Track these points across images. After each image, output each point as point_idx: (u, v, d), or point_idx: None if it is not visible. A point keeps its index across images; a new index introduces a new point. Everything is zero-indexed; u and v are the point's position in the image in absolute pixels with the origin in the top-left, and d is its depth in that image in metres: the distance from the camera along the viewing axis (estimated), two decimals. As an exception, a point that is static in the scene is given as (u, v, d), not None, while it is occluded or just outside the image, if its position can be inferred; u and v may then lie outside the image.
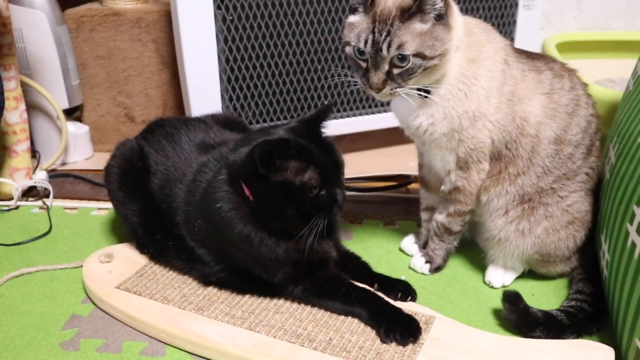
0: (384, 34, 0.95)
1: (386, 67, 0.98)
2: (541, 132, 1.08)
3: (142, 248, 1.22)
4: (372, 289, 1.08)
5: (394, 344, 0.97)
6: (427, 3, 0.95)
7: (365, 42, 0.97)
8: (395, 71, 0.98)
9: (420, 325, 1.00)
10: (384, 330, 0.98)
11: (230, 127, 1.28)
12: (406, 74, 0.98)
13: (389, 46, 0.95)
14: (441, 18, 0.97)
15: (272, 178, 0.96)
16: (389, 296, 1.07)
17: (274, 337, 0.99)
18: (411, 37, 0.95)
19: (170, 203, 1.11)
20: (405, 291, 1.09)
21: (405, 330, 0.98)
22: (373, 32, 0.96)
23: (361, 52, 0.99)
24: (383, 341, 0.98)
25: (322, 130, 1.04)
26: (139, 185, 1.16)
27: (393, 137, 1.37)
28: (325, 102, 1.08)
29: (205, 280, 1.12)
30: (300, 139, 0.99)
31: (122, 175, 1.19)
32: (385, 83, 0.99)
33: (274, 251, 1.01)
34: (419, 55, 0.96)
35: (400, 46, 0.95)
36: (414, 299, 1.09)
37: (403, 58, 0.96)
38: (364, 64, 1.00)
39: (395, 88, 1.00)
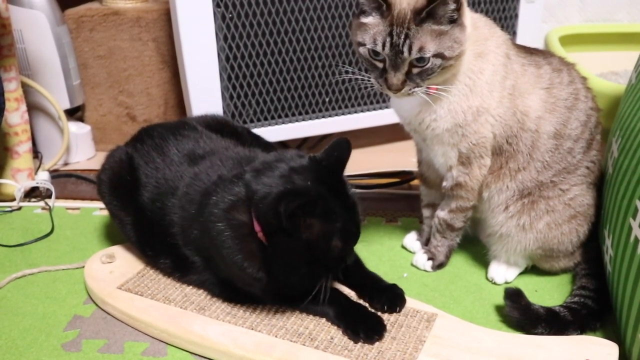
0: (402, 36, 0.94)
1: (406, 68, 0.97)
2: (541, 127, 1.07)
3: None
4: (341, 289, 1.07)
5: (363, 342, 0.97)
6: (439, 10, 0.94)
7: (384, 45, 0.96)
8: (415, 71, 0.97)
9: (385, 323, 1.00)
10: (351, 330, 0.98)
11: (221, 130, 1.25)
12: (425, 73, 0.97)
13: (409, 49, 0.95)
14: (455, 21, 0.96)
15: (295, 234, 0.91)
16: (372, 306, 1.05)
17: (276, 336, 0.98)
18: (430, 38, 0.95)
19: (164, 216, 1.08)
20: (392, 302, 1.05)
21: (369, 329, 0.98)
22: (391, 34, 0.95)
23: (377, 53, 0.98)
24: (352, 339, 0.98)
25: (344, 178, 0.98)
26: (130, 198, 1.13)
27: (395, 133, 1.37)
28: (341, 138, 0.99)
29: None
30: (327, 194, 0.93)
31: (112, 188, 1.16)
32: (404, 84, 0.98)
33: (268, 287, 0.99)
34: (438, 55, 0.96)
35: (421, 49, 0.94)
36: (400, 309, 1.05)
37: (422, 59, 0.96)
38: (380, 65, 0.99)
39: (414, 88, 0.99)
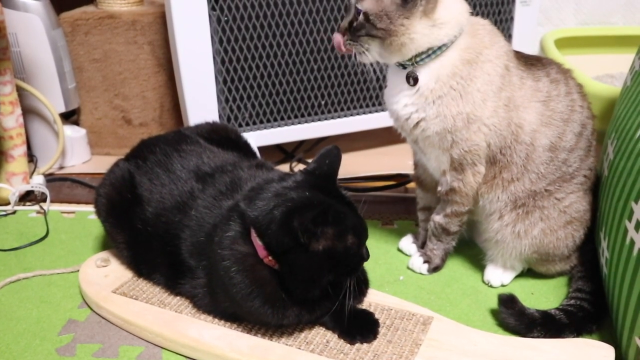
0: None
1: (350, 16, 1.03)
2: (536, 140, 1.06)
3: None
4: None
5: (361, 344, 0.98)
6: None
7: None
8: (354, 24, 1.03)
9: (378, 318, 1.01)
10: (346, 335, 0.98)
11: (218, 139, 1.24)
12: (356, 29, 1.02)
13: None
14: (407, 3, 0.98)
15: (312, 247, 0.89)
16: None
17: (271, 339, 0.98)
18: None
19: (168, 231, 1.06)
20: (365, 331, 1.01)
21: (364, 330, 0.99)
22: None
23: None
24: (349, 343, 0.98)
25: (337, 184, 0.98)
26: (127, 216, 1.11)
27: (392, 136, 1.36)
28: (330, 146, 0.99)
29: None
30: (330, 199, 0.93)
31: (110, 205, 1.15)
32: (345, 32, 1.04)
33: (284, 316, 0.96)
34: (365, 15, 1.00)
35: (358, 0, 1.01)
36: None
37: (358, 11, 1.01)
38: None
39: (349, 40, 1.04)
